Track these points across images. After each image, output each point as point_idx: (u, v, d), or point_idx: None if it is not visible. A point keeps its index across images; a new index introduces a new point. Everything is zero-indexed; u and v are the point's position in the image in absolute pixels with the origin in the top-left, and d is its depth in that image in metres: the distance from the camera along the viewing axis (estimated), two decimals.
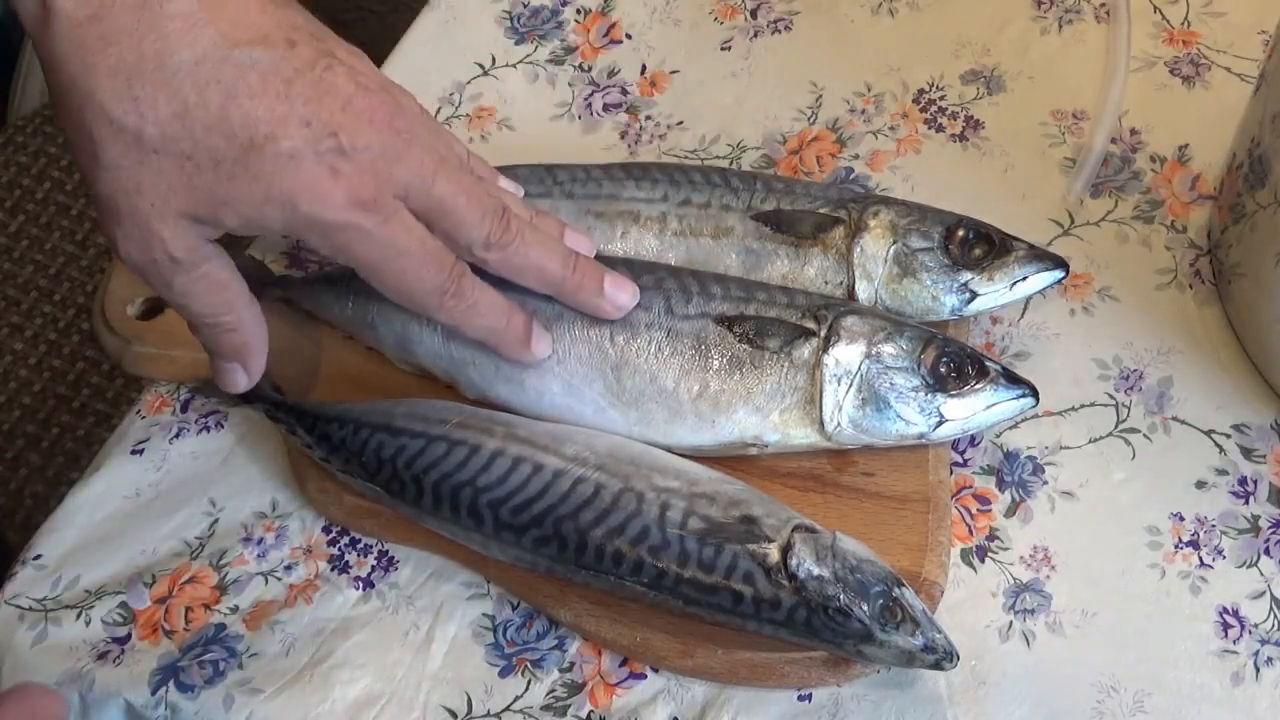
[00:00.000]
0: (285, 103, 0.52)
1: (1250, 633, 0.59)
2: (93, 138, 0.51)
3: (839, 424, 0.60)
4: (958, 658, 0.54)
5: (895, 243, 0.63)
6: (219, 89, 0.51)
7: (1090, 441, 0.64)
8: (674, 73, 0.77)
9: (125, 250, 0.54)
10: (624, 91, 0.76)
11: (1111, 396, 0.65)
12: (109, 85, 0.50)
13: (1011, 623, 0.59)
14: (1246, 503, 0.62)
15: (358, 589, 0.62)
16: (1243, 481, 0.62)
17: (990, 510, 0.62)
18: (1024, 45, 0.76)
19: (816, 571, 0.54)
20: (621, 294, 0.61)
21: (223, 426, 0.67)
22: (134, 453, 0.66)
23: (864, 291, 0.63)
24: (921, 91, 0.75)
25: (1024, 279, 0.63)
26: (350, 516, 0.63)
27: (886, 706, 0.57)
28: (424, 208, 0.56)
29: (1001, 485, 0.63)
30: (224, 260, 0.55)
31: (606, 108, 0.76)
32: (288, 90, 0.52)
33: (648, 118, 0.75)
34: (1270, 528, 0.61)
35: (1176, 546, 0.61)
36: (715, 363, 0.60)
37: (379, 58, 0.79)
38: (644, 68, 0.77)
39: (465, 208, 0.56)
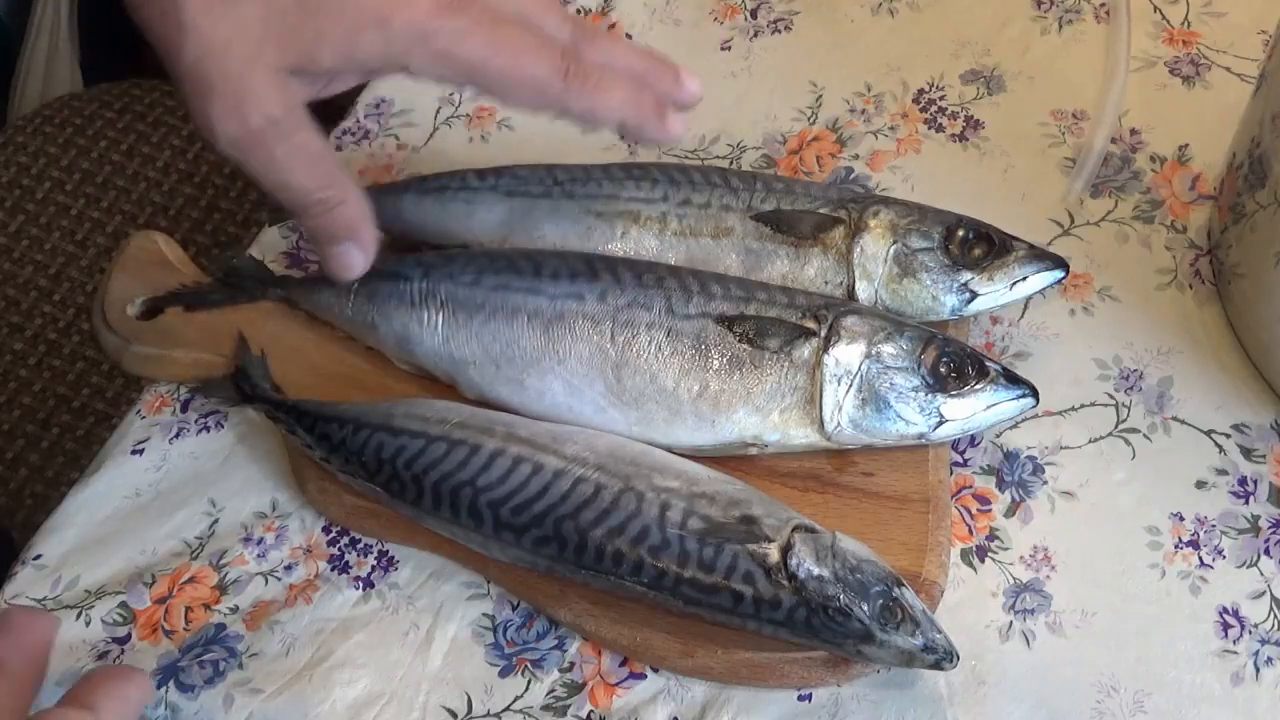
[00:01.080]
0: None
1: (1250, 633, 0.59)
2: (175, 2, 0.50)
3: (839, 424, 0.60)
4: (958, 658, 0.54)
5: (895, 243, 0.63)
6: None
7: (1090, 441, 0.64)
8: None
9: (221, 125, 0.51)
10: None
11: (1111, 396, 0.65)
12: None
13: (1011, 623, 0.59)
14: (1246, 503, 0.62)
15: (358, 589, 0.62)
16: (1243, 481, 0.62)
17: (990, 510, 0.62)
18: (1024, 45, 0.76)
19: (816, 571, 0.54)
20: (693, 81, 0.59)
21: (223, 426, 0.67)
22: (134, 453, 0.66)
23: (864, 291, 0.63)
24: (921, 91, 0.75)
25: (1024, 279, 0.63)
26: (350, 516, 0.63)
27: (886, 706, 0.57)
28: (507, 12, 0.54)
29: (1001, 485, 0.63)
30: (317, 130, 0.54)
31: None
32: None
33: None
34: (1270, 528, 0.61)
35: (1176, 546, 0.61)
36: (715, 363, 0.60)
37: None
38: None
39: (544, 11, 0.55)
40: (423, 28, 0.52)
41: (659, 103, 0.57)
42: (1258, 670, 0.58)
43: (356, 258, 0.58)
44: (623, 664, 0.59)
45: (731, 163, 0.73)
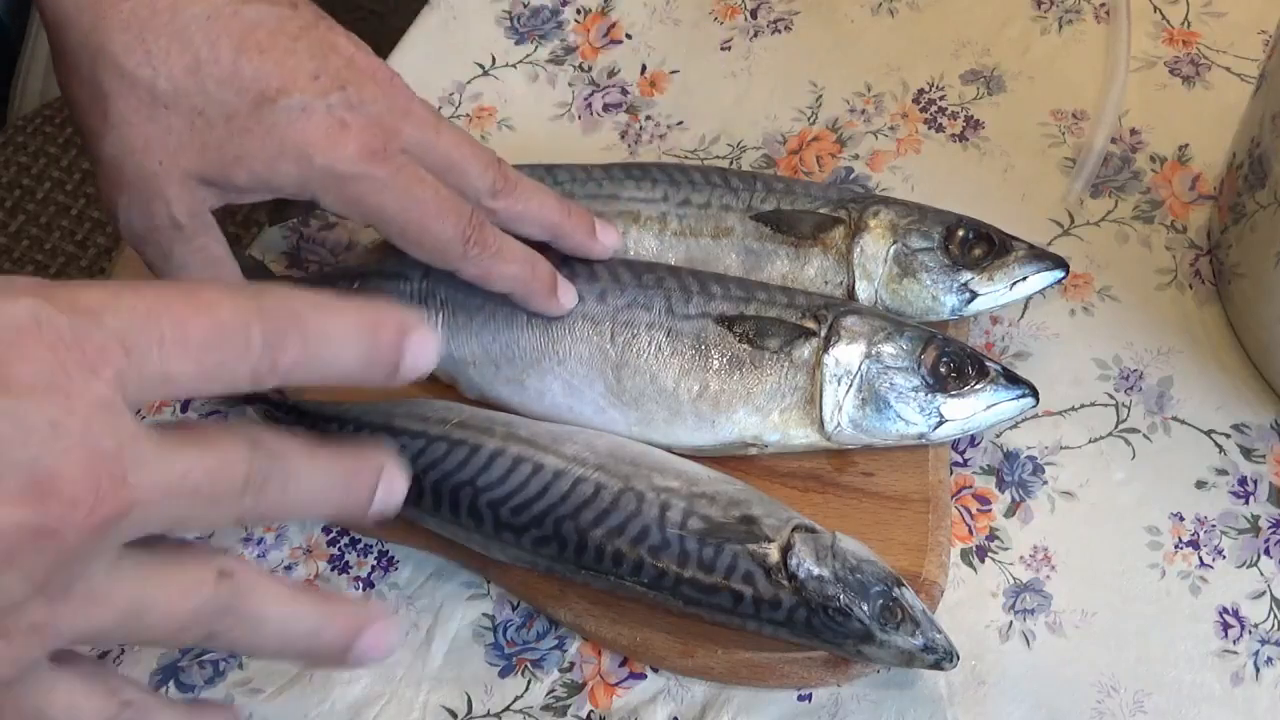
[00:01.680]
0: (294, 57, 0.52)
1: (1250, 633, 0.59)
2: (103, 92, 0.51)
3: (839, 424, 0.60)
4: (958, 658, 0.54)
5: (895, 243, 0.63)
6: (229, 43, 0.51)
7: (1090, 441, 0.64)
8: (674, 73, 0.77)
9: (126, 217, 0.53)
10: (624, 91, 0.76)
11: (1111, 396, 0.65)
12: (122, 39, 0.50)
13: (1011, 623, 0.59)
14: (1246, 503, 0.62)
15: (358, 589, 0.62)
16: (1243, 481, 0.62)
17: (990, 510, 0.62)
18: (1024, 45, 0.76)
19: (816, 571, 0.54)
20: (609, 235, 0.62)
21: None
22: None
23: (864, 291, 0.63)
24: (921, 91, 0.75)
25: (1024, 279, 0.63)
26: None
27: (886, 706, 0.57)
28: (431, 162, 0.56)
29: (1001, 485, 0.63)
30: (220, 236, 0.55)
31: (606, 108, 0.76)
32: (295, 45, 0.52)
33: (648, 118, 0.75)
34: (1270, 528, 0.61)
35: (1176, 546, 0.61)
36: (715, 363, 0.60)
37: (379, 57, 0.78)
38: (644, 68, 0.77)
39: (470, 158, 0.57)
40: (341, 172, 0.53)
41: (552, 276, 0.59)
42: (1258, 670, 0.58)
43: None
44: (623, 664, 0.59)
45: (731, 163, 0.73)
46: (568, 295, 0.60)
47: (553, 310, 0.60)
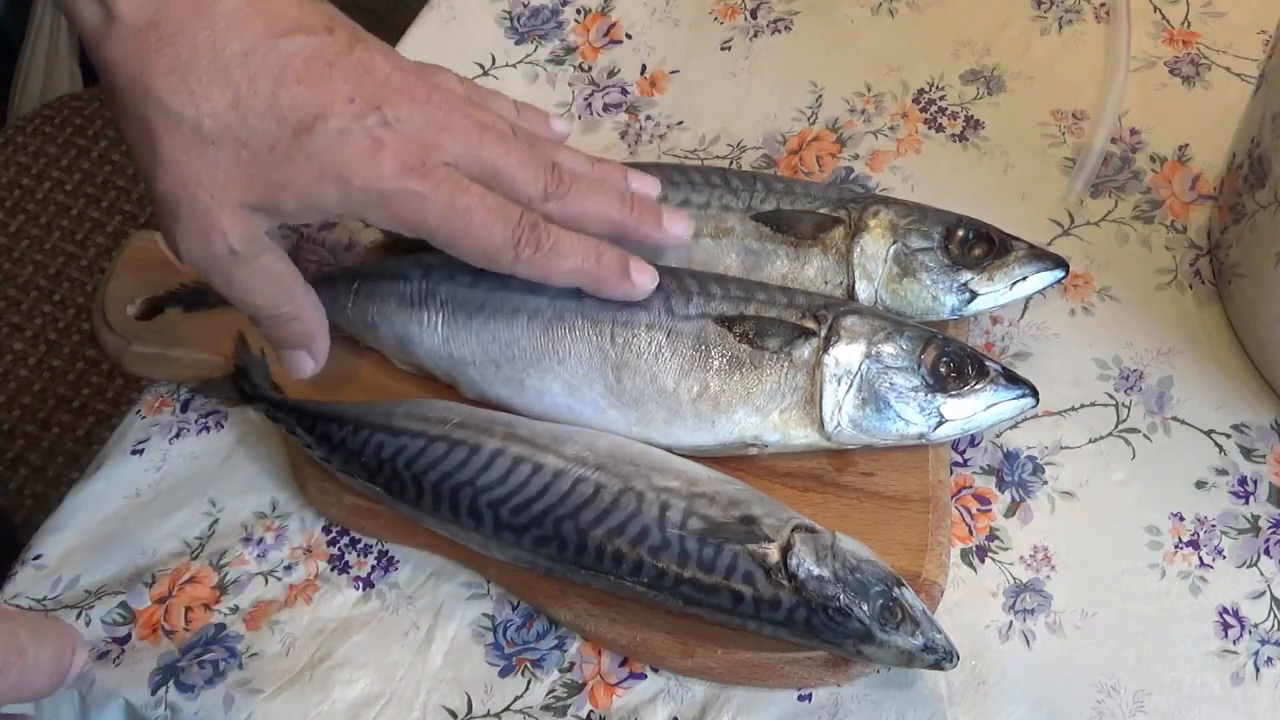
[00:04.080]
0: (329, 84, 0.54)
1: (1250, 633, 0.59)
2: (152, 133, 0.53)
3: (839, 424, 0.60)
4: (958, 658, 0.54)
5: (895, 243, 0.63)
6: (268, 77, 0.53)
7: (1090, 441, 0.64)
8: (674, 73, 0.77)
9: (185, 247, 0.55)
10: (624, 91, 0.76)
11: (1111, 396, 0.65)
12: (166, 81, 0.52)
13: (1011, 623, 0.59)
14: (1246, 503, 0.62)
15: (358, 589, 0.62)
16: (1243, 481, 0.62)
17: (990, 510, 0.62)
18: (1024, 45, 0.76)
19: (816, 571, 0.54)
20: (677, 225, 0.62)
21: (223, 426, 0.67)
22: (134, 453, 0.66)
23: (864, 291, 0.63)
24: (921, 91, 0.75)
25: (1024, 279, 0.63)
26: (350, 516, 0.63)
27: (886, 706, 0.57)
28: (477, 172, 0.57)
29: (1001, 485, 0.63)
30: (279, 252, 0.57)
31: (606, 108, 0.76)
32: (330, 72, 0.54)
33: (648, 118, 0.75)
34: (1270, 528, 0.61)
35: (1176, 546, 0.61)
36: (715, 363, 0.60)
37: None
38: (644, 68, 0.77)
39: (516, 166, 0.58)
40: (381, 190, 0.55)
41: (622, 261, 0.59)
42: (1258, 670, 0.58)
43: (306, 363, 0.61)
44: (623, 664, 0.59)
45: (731, 163, 0.73)
46: (643, 277, 0.60)
47: (631, 295, 0.60)
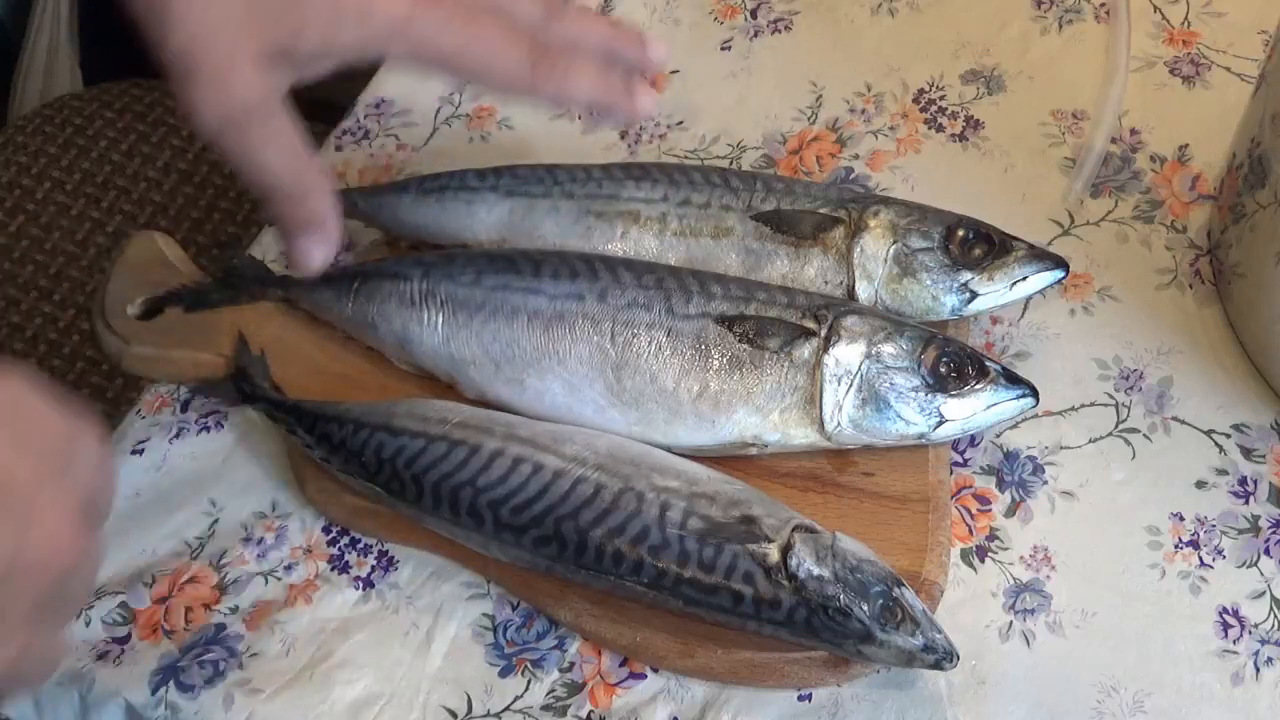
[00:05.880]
0: None
1: (1250, 633, 0.59)
2: None
3: (839, 424, 0.60)
4: (958, 658, 0.54)
5: (895, 243, 0.63)
6: None
7: (1090, 441, 0.64)
8: (674, 73, 0.77)
9: (205, 107, 0.53)
10: None
11: (1111, 396, 0.65)
12: None
13: (1011, 623, 0.59)
14: (1246, 503, 0.62)
15: (358, 589, 0.62)
16: (1243, 481, 0.62)
17: (990, 510, 0.62)
18: (1024, 45, 0.76)
19: (816, 571, 0.54)
20: (657, 49, 0.61)
21: (223, 426, 0.67)
22: (134, 453, 0.66)
23: (864, 291, 0.63)
24: (921, 91, 0.75)
25: (1024, 279, 0.63)
26: (350, 516, 0.63)
27: (886, 706, 0.57)
28: (483, 3, 0.56)
29: (1001, 485, 0.63)
30: (294, 121, 0.55)
31: None
32: None
33: (648, 117, 0.75)
34: (1270, 528, 0.61)
35: (1176, 546, 0.61)
36: (715, 363, 0.60)
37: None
38: None
39: None
40: (403, 19, 0.54)
41: (626, 82, 0.59)
42: (1258, 670, 0.58)
43: (319, 250, 0.58)
44: (623, 664, 0.59)
45: (731, 163, 0.73)
46: (647, 99, 0.60)
47: (638, 115, 0.60)
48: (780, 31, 0.78)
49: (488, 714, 0.59)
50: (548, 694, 0.59)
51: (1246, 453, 0.63)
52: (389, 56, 0.56)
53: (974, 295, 0.63)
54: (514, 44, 0.56)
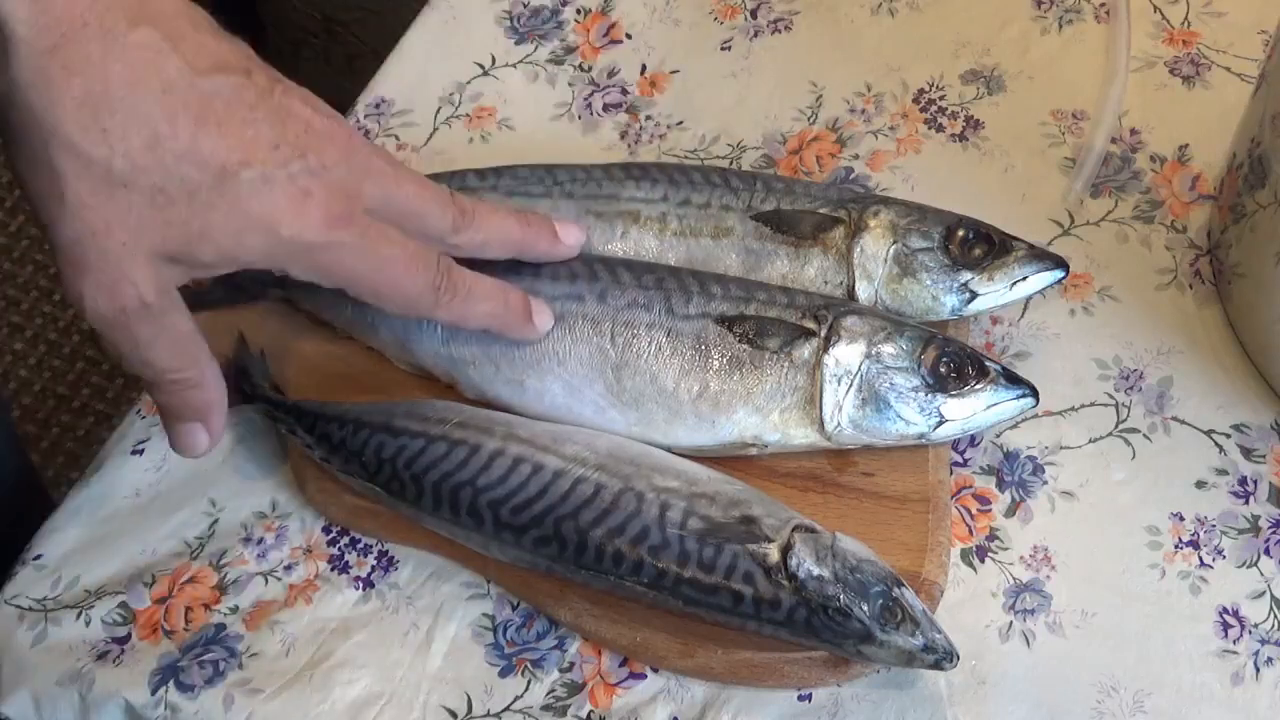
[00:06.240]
0: (252, 128, 0.51)
1: (1250, 633, 0.59)
2: (58, 175, 0.48)
3: (839, 424, 0.60)
4: (958, 658, 0.54)
5: (895, 243, 0.63)
6: (188, 117, 0.49)
7: (1090, 441, 0.64)
8: (674, 73, 0.77)
9: (92, 302, 0.50)
10: (624, 91, 0.76)
11: (1111, 396, 0.65)
12: (76, 117, 0.48)
13: (1011, 623, 0.59)
14: (1246, 503, 0.62)
15: (358, 589, 0.62)
16: (1243, 481, 0.62)
17: (990, 510, 0.62)
18: (1024, 45, 0.76)
19: (816, 571, 0.54)
20: (571, 234, 0.63)
21: None
22: (134, 453, 0.66)
23: (864, 291, 0.63)
24: (921, 91, 0.75)
25: (1024, 279, 0.63)
26: (350, 516, 0.63)
27: (886, 706, 0.57)
28: (393, 215, 0.55)
29: (1001, 485, 0.63)
30: (186, 312, 0.54)
31: (606, 108, 0.76)
32: (252, 115, 0.51)
33: (648, 118, 0.75)
34: (1270, 528, 0.61)
35: (1176, 546, 0.61)
36: (715, 363, 0.60)
37: (379, 57, 0.79)
38: (644, 68, 0.77)
39: (429, 201, 0.57)
40: (308, 242, 0.53)
41: (525, 305, 0.61)
42: (1258, 670, 0.58)
43: (201, 438, 0.57)
44: (623, 664, 0.59)
45: (731, 163, 0.73)
46: (543, 318, 0.61)
47: (531, 337, 0.61)
48: (780, 31, 0.78)
49: (488, 714, 0.59)
50: (548, 694, 0.59)
51: (1246, 453, 0.63)
52: (290, 275, 0.54)
53: (974, 295, 0.63)
54: (419, 270, 0.56)
